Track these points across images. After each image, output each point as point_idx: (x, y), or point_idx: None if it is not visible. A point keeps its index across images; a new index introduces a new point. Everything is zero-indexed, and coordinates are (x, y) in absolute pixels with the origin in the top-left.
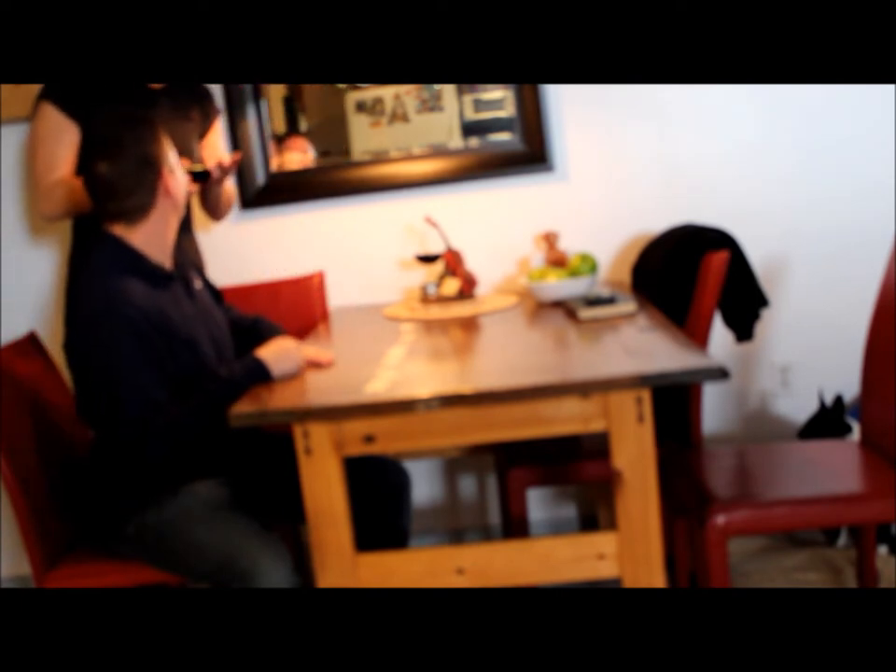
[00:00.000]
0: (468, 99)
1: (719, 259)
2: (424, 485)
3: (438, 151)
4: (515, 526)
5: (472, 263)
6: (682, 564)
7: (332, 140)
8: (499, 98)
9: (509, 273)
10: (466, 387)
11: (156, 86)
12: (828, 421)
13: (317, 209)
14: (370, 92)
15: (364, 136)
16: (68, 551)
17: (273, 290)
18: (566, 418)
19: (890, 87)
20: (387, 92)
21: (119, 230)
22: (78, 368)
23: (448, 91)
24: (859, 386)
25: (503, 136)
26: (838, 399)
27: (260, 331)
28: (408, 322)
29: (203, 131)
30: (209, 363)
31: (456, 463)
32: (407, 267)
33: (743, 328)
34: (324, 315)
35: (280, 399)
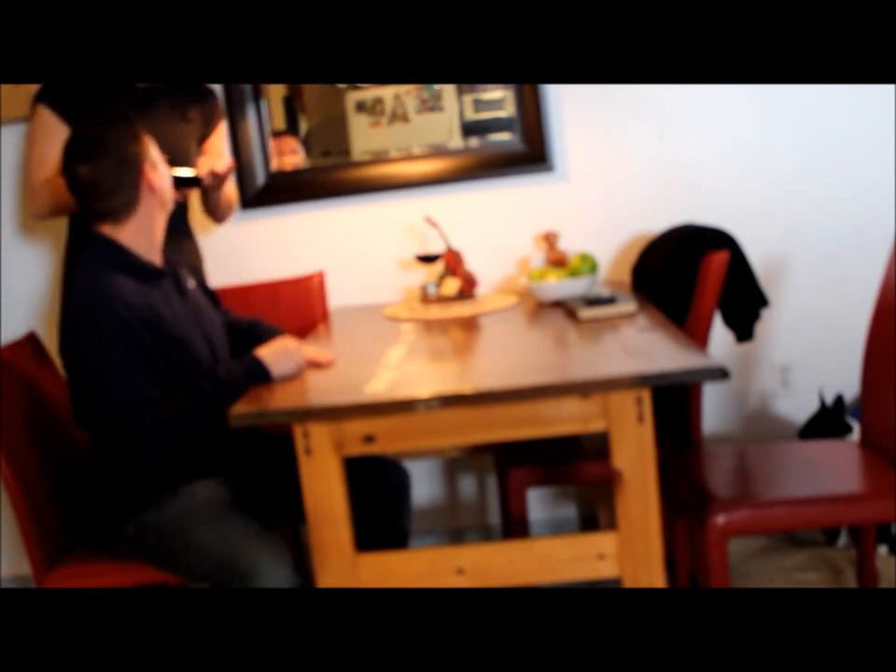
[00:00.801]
0: (468, 99)
1: (719, 259)
2: (424, 485)
3: (438, 151)
4: (515, 526)
5: (472, 263)
6: (682, 564)
7: (332, 140)
8: (499, 98)
9: (509, 272)
10: (466, 387)
11: (155, 86)
12: (828, 421)
13: (317, 209)
14: (370, 92)
15: (364, 136)
16: (68, 551)
17: (272, 290)
18: (566, 418)
19: (890, 87)
20: (387, 92)
21: (107, 229)
22: (72, 368)
23: (448, 90)
24: (859, 386)
25: (503, 136)
26: (838, 399)
27: (258, 334)
28: (408, 322)
29: (205, 132)
30: (202, 361)
31: (456, 463)
32: (407, 267)
33: (743, 328)
34: (324, 316)
35: (280, 398)
